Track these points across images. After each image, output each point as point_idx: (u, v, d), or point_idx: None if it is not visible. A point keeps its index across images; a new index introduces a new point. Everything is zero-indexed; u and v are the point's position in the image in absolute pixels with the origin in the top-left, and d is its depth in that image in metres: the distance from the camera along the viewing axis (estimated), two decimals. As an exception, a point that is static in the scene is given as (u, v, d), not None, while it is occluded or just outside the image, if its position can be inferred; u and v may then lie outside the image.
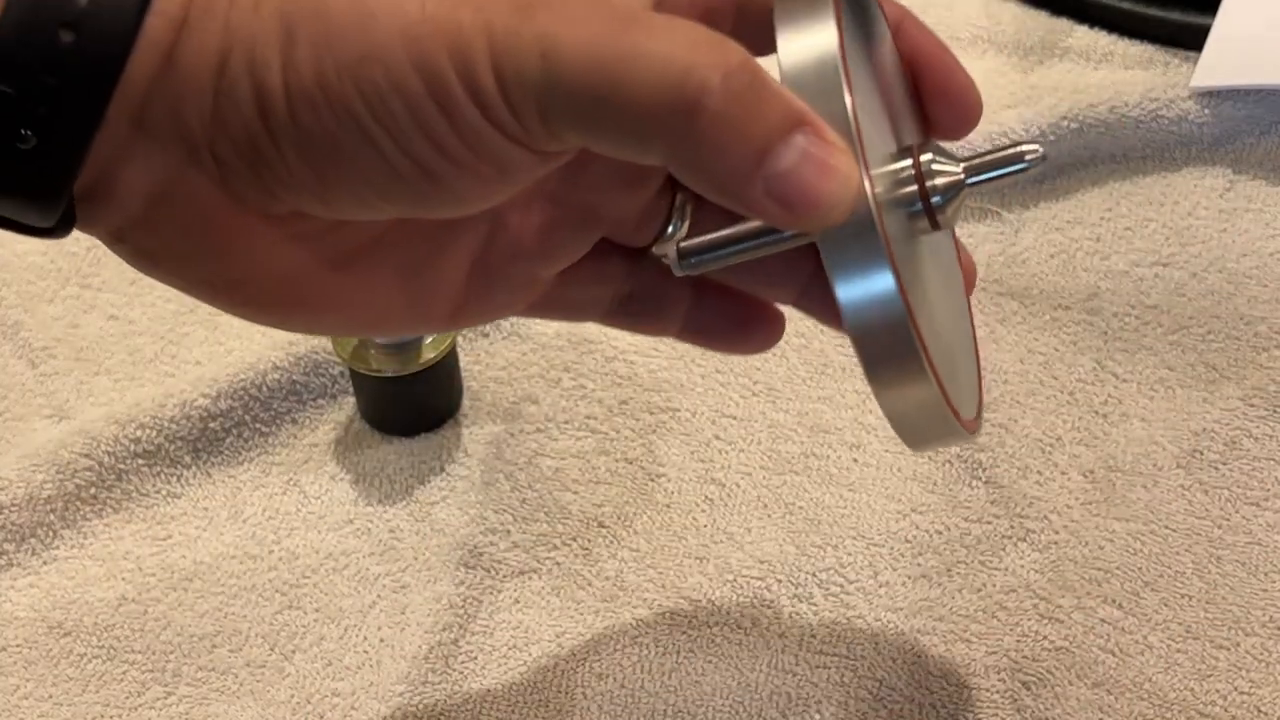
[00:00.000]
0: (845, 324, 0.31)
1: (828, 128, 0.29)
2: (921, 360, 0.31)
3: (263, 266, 0.32)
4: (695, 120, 0.28)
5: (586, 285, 0.39)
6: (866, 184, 0.30)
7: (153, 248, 0.32)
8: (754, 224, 0.35)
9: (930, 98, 0.37)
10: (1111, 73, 0.67)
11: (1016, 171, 0.35)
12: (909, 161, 0.34)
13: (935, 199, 0.34)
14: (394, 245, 0.34)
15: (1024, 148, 0.35)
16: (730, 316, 0.40)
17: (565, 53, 0.28)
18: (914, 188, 0.34)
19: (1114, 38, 0.69)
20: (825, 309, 0.39)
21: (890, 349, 0.31)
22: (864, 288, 0.31)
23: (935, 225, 0.35)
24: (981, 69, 0.68)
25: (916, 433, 0.34)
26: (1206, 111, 0.64)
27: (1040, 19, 0.70)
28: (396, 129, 0.29)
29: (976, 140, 0.62)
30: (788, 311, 0.41)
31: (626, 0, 0.30)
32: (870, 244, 0.30)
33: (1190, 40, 0.67)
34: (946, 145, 0.35)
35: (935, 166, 0.34)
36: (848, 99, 0.30)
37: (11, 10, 0.28)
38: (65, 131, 0.29)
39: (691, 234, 0.36)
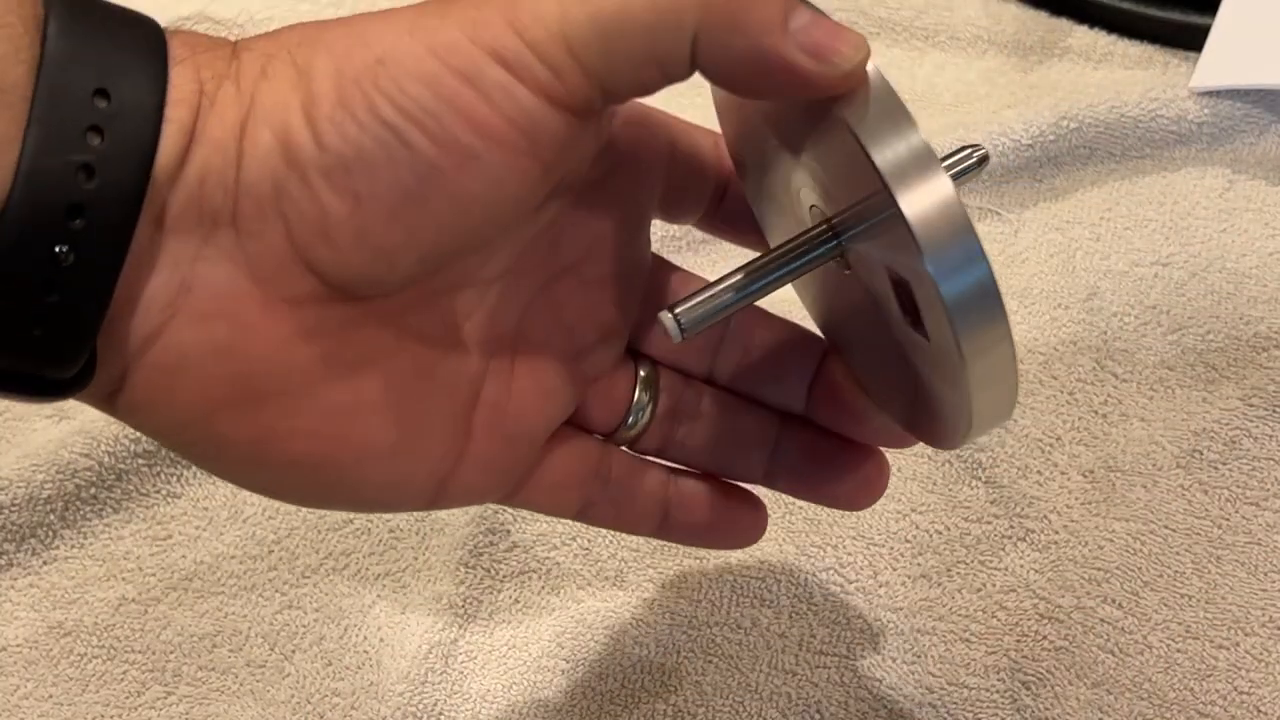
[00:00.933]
0: (945, 303, 0.31)
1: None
2: (1007, 319, 0.31)
3: (280, 369, 0.32)
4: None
5: (563, 471, 0.38)
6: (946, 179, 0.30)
7: (162, 373, 0.31)
8: (745, 267, 0.34)
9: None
10: (1111, 72, 0.67)
11: (969, 172, 0.36)
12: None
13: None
14: (395, 355, 0.34)
15: (965, 151, 0.36)
16: (710, 508, 0.40)
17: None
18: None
19: (1114, 38, 0.69)
20: (795, 477, 0.40)
21: (984, 313, 0.31)
22: (955, 259, 0.30)
23: None
24: (982, 69, 0.68)
25: (990, 411, 0.33)
26: (1206, 111, 0.64)
27: (1040, 19, 0.71)
28: (424, 116, 0.29)
29: (977, 139, 0.62)
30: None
31: None
32: (959, 220, 0.30)
33: (1190, 40, 0.67)
34: None
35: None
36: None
37: (40, 112, 0.28)
38: (102, 244, 0.29)
39: (678, 302, 0.35)
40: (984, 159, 0.36)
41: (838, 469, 0.40)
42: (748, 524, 0.41)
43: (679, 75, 0.30)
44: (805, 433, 0.40)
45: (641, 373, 0.39)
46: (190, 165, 0.30)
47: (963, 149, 0.36)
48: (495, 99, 0.29)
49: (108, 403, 0.31)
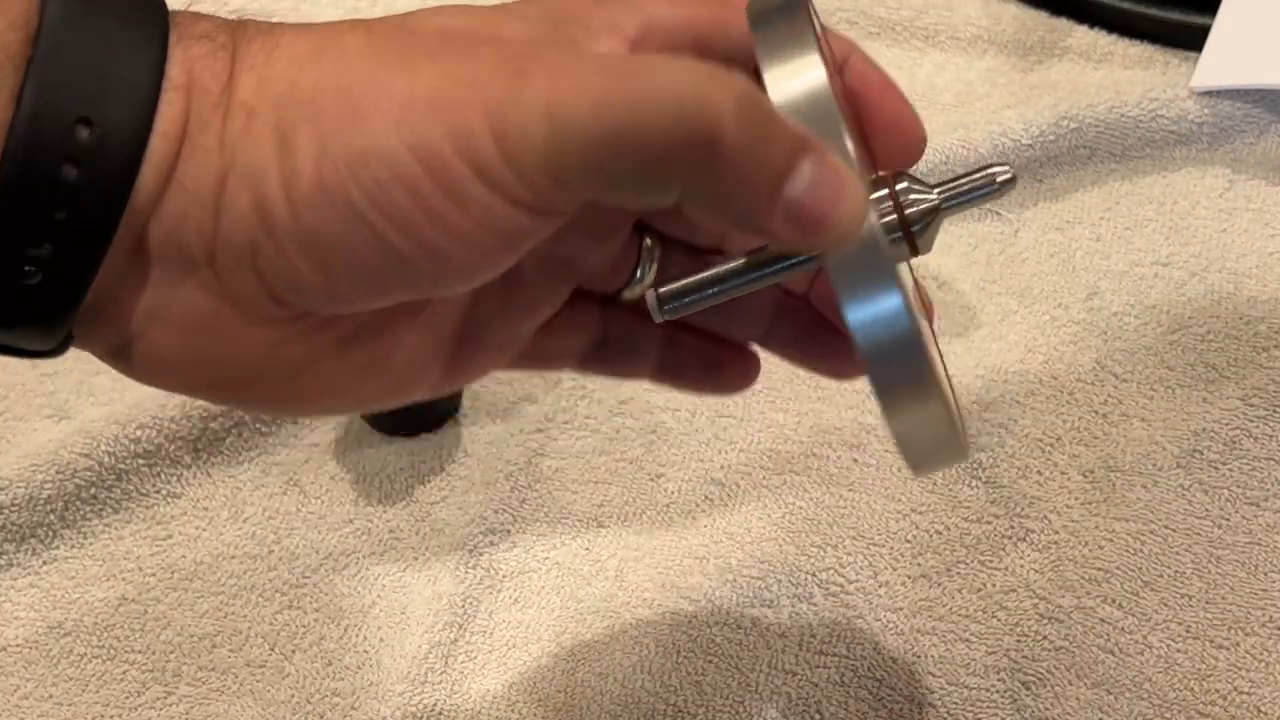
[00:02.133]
0: (858, 347, 0.31)
1: (831, 151, 0.30)
2: (932, 378, 0.31)
3: (261, 367, 0.32)
4: (714, 151, 0.28)
5: (561, 336, 0.39)
6: (873, 220, 0.30)
7: (149, 363, 0.32)
8: (731, 264, 0.35)
9: (876, 131, 0.37)
10: (1111, 72, 0.67)
11: (989, 194, 0.35)
12: (885, 191, 0.35)
13: (914, 226, 0.35)
14: (384, 328, 0.34)
15: (994, 170, 0.35)
16: (704, 358, 0.40)
17: (571, 107, 0.28)
18: (893, 216, 0.34)
19: (1114, 38, 0.69)
20: (789, 346, 0.40)
21: (903, 368, 0.31)
22: (874, 309, 0.30)
23: (915, 251, 0.35)
24: (981, 69, 0.68)
25: (924, 454, 0.34)
26: (1206, 111, 0.64)
27: (1040, 19, 0.70)
28: (400, 217, 0.29)
29: (977, 139, 0.62)
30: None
31: (611, 51, 0.31)
32: (878, 264, 0.30)
33: (1190, 40, 0.67)
34: (914, 173, 0.36)
35: (912, 194, 0.35)
36: (844, 126, 0.31)
37: (15, 146, 0.28)
38: (71, 266, 0.29)
39: (666, 279, 0.36)
40: (1007, 182, 0.35)
41: (830, 346, 0.40)
42: (741, 371, 0.41)
43: (662, 207, 0.31)
44: (805, 313, 0.40)
45: (646, 241, 0.39)
46: (167, 204, 0.30)
47: (985, 170, 0.35)
48: (473, 212, 0.30)
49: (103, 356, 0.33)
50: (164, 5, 0.31)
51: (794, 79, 0.31)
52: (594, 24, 0.32)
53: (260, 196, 0.30)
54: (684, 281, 0.35)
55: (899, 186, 0.35)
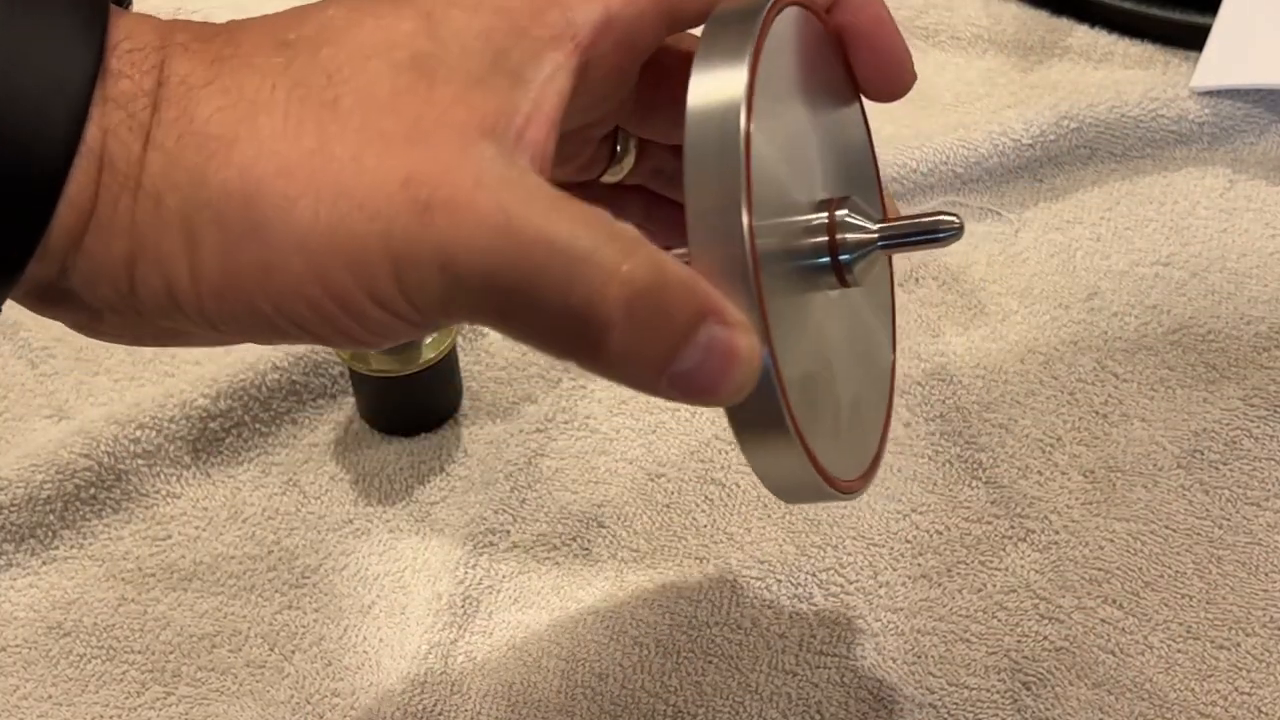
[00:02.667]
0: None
1: (730, 309, 0.30)
2: (789, 429, 0.31)
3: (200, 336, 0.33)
4: (598, 346, 0.29)
5: None
6: (748, 246, 0.30)
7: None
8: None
9: (863, 64, 0.37)
10: (1112, 72, 0.67)
11: (931, 242, 0.35)
12: (825, 215, 0.34)
13: (844, 256, 0.34)
14: None
15: (941, 218, 0.35)
16: (680, 230, 0.41)
17: (464, 267, 0.29)
18: (825, 239, 0.34)
19: (1114, 37, 0.69)
20: None
21: (758, 416, 0.31)
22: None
23: (843, 282, 0.35)
24: (982, 68, 0.68)
25: (785, 492, 0.34)
26: (1206, 111, 0.64)
27: (1041, 18, 0.70)
28: (304, 323, 0.30)
29: (977, 139, 0.62)
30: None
31: (535, 182, 0.30)
32: (744, 310, 0.30)
33: (1190, 40, 0.67)
34: (862, 203, 0.35)
35: (850, 222, 0.34)
36: (742, 174, 0.30)
37: None
38: None
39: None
40: (952, 234, 0.35)
41: None
42: None
43: None
44: None
45: (628, 140, 0.39)
46: (80, 265, 0.30)
47: (934, 217, 0.35)
48: (372, 325, 0.30)
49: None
50: (99, 46, 0.30)
51: (711, 101, 0.31)
52: (543, 34, 0.31)
53: (170, 281, 0.30)
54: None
55: (840, 213, 0.34)
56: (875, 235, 0.34)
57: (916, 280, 0.59)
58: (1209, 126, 0.64)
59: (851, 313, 0.37)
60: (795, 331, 0.33)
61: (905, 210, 0.62)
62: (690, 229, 0.30)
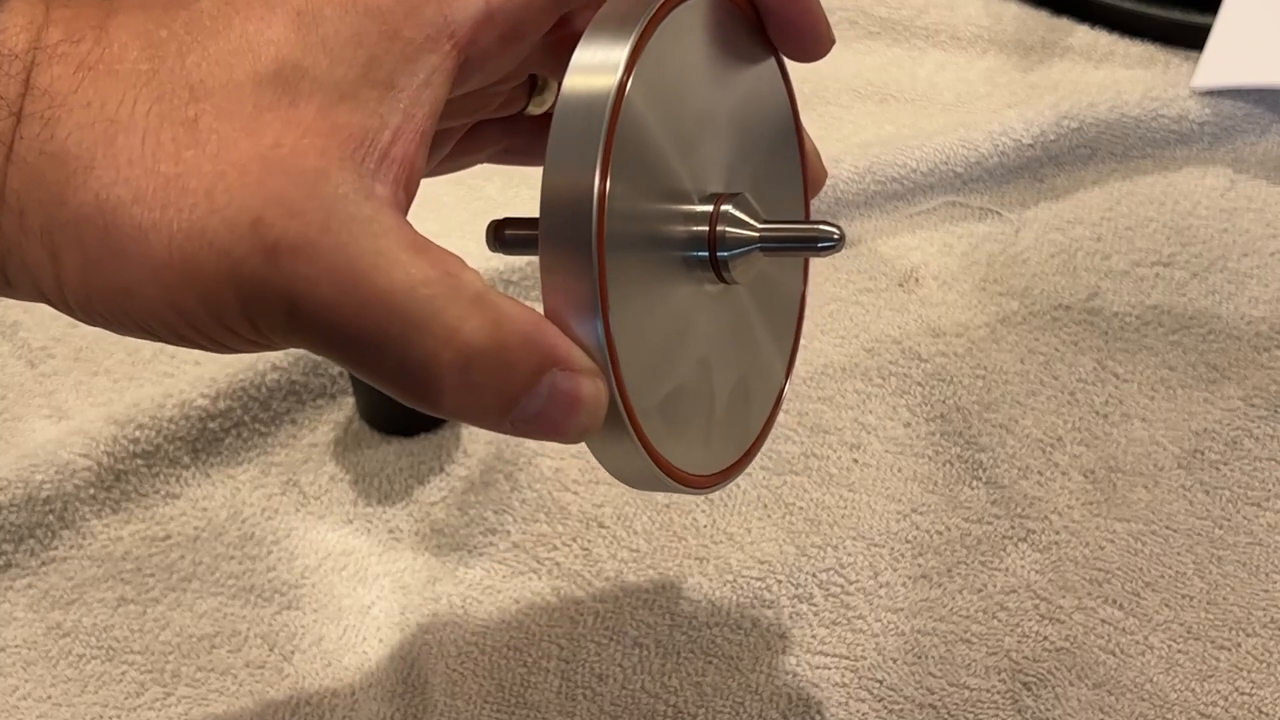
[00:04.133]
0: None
1: (577, 356, 0.30)
2: (631, 435, 0.32)
3: None
4: (436, 408, 0.30)
5: (465, 156, 0.40)
6: (595, 232, 0.30)
7: None
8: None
9: (776, 31, 0.37)
10: (1112, 72, 0.67)
11: (809, 250, 0.35)
12: (709, 209, 0.34)
13: (722, 252, 0.34)
14: None
15: (823, 228, 0.34)
16: None
17: (305, 319, 0.29)
18: (704, 230, 0.34)
19: (1115, 37, 0.69)
20: None
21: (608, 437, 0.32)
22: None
23: (720, 278, 0.35)
24: (982, 68, 0.68)
25: (629, 482, 0.34)
26: (1207, 111, 0.64)
27: (1041, 18, 0.70)
28: (170, 338, 0.31)
29: (978, 139, 0.62)
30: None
31: (385, 225, 0.30)
32: (590, 320, 0.30)
33: (1191, 39, 0.67)
34: (754, 202, 0.35)
35: (734, 216, 0.34)
36: (598, 160, 0.30)
37: None
38: None
39: (510, 221, 0.37)
40: (829, 246, 0.34)
41: None
42: None
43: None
44: None
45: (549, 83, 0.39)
46: None
47: (817, 226, 0.35)
48: (237, 348, 0.31)
49: None
50: None
51: (582, 87, 0.31)
52: (417, 36, 0.30)
53: (39, 285, 0.31)
54: (522, 233, 0.36)
55: (725, 208, 0.34)
56: (757, 235, 0.34)
57: (917, 280, 0.59)
58: (1210, 126, 0.63)
59: (738, 313, 0.37)
60: (662, 321, 0.33)
61: (901, 211, 0.62)
62: (542, 204, 0.30)
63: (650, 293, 0.33)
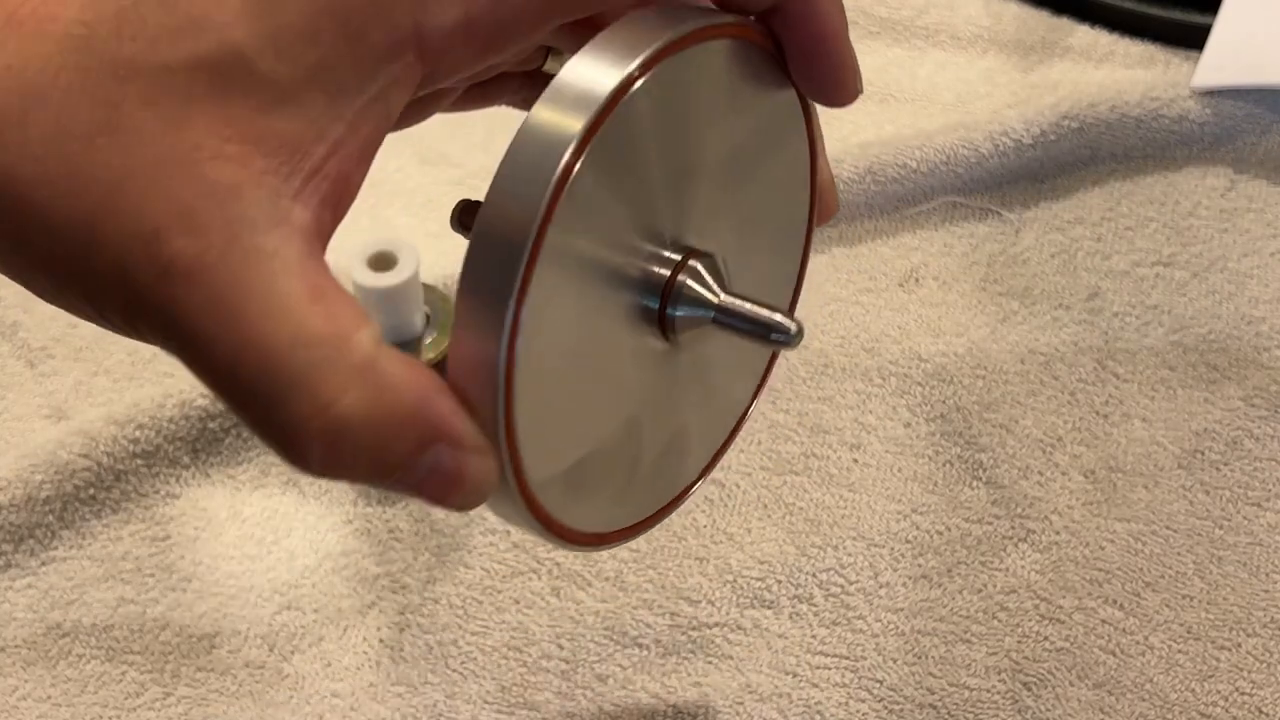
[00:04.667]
0: None
1: (468, 433, 0.28)
2: (519, 503, 0.30)
3: None
4: (302, 469, 0.28)
5: (484, 100, 0.37)
6: (518, 283, 0.27)
7: None
8: None
9: (801, 74, 0.33)
10: (1113, 72, 0.67)
11: (763, 338, 0.32)
12: (676, 257, 0.32)
13: (673, 310, 0.32)
14: None
15: (780, 320, 0.31)
16: None
17: (182, 350, 0.27)
18: (664, 276, 0.32)
19: (1115, 37, 0.69)
20: None
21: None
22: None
23: (665, 336, 0.32)
24: (982, 68, 0.68)
25: (512, 528, 0.33)
26: (1208, 111, 0.63)
27: (1041, 18, 0.70)
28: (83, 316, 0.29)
29: (978, 139, 0.62)
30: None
31: (286, 264, 0.27)
32: (490, 380, 0.28)
33: (1191, 39, 0.67)
34: (725, 269, 0.32)
35: (699, 275, 0.32)
36: (536, 225, 0.27)
37: None
38: None
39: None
40: (781, 340, 0.32)
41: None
42: None
43: None
44: None
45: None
46: None
47: (774, 316, 0.32)
48: (131, 338, 0.29)
49: None
50: None
51: (552, 123, 0.28)
52: (380, 41, 0.27)
53: None
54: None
55: (692, 263, 0.32)
56: (715, 302, 0.32)
57: (917, 280, 0.59)
58: (1210, 126, 0.63)
59: (680, 380, 0.35)
60: (587, 381, 0.31)
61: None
62: (470, 243, 0.28)
63: (579, 348, 0.30)
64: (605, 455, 0.33)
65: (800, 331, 0.32)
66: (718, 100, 0.32)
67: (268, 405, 0.27)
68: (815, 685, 0.47)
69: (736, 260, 0.33)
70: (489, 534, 0.51)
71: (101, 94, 0.27)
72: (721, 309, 0.32)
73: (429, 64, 0.28)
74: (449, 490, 0.29)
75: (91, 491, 0.52)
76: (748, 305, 0.32)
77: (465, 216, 0.34)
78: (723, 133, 0.33)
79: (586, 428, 0.32)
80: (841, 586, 0.49)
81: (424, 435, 0.28)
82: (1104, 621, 0.48)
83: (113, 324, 0.28)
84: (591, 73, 0.28)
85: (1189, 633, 0.48)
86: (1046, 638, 0.48)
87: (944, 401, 0.55)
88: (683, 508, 0.52)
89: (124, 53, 0.27)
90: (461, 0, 0.28)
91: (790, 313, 0.34)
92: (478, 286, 0.28)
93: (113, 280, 0.27)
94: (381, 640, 0.49)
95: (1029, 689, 0.46)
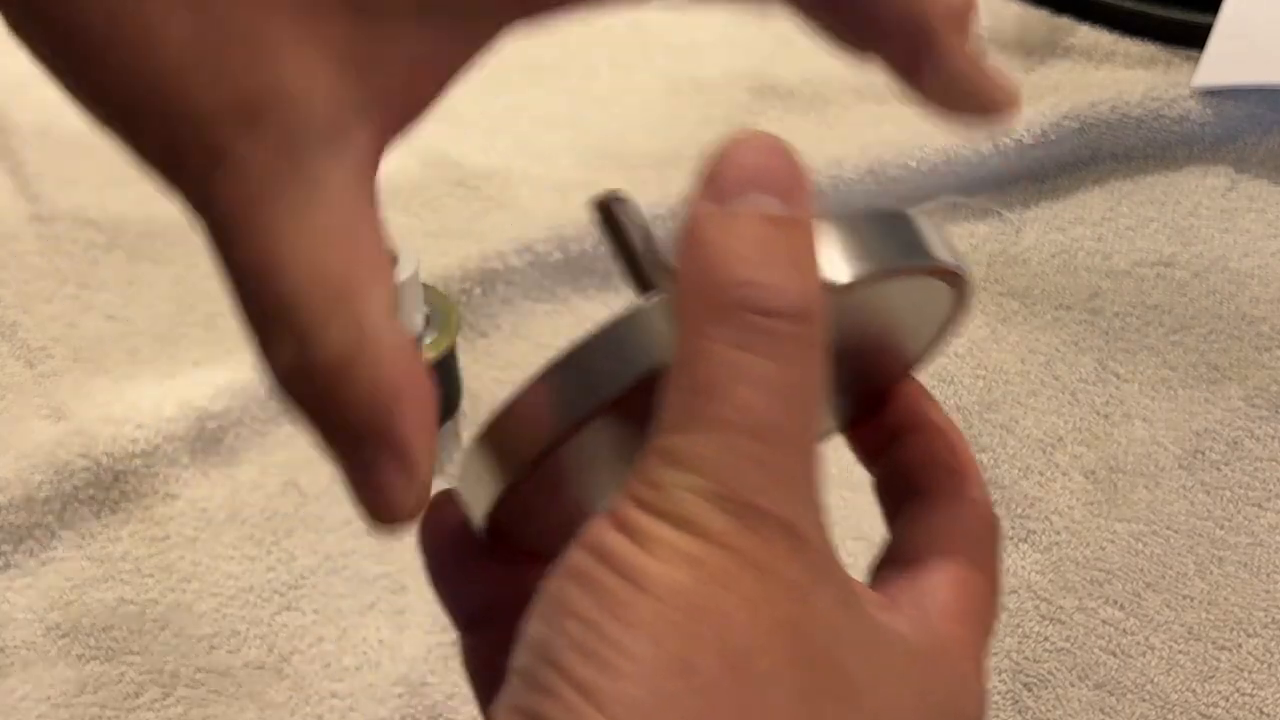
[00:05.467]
0: None
1: (417, 450, 0.28)
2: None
3: None
4: (271, 378, 0.28)
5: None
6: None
7: None
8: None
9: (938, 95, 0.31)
10: (1113, 71, 0.67)
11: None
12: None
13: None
14: None
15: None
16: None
17: (209, 235, 0.27)
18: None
19: (1116, 36, 0.69)
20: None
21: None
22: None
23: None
24: (983, 68, 0.68)
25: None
26: (1209, 111, 0.63)
27: (1042, 18, 0.70)
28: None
29: (979, 139, 0.62)
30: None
31: (330, 194, 0.27)
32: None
33: (1192, 39, 0.67)
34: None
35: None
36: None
37: None
38: None
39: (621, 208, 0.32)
40: None
41: None
42: None
43: None
44: None
45: None
46: None
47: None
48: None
49: None
50: None
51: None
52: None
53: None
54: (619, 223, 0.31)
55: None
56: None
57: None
58: (1211, 126, 0.63)
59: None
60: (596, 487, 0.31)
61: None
62: (504, 406, 0.28)
63: (578, 470, 0.30)
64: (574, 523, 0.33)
65: None
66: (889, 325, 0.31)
67: (261, 319, 0.27)
68: (815, 686, 0.47)
69: None
70: (489, 534, 0.51)
71: None
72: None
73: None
74: (368, 493, 0.28)
75: (91, 492, 0.52)
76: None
77: (607, 210, 0.31)
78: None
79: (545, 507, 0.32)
80: (842, 587, 0.49)
81: (374, 426, 0.27)
82: (1105, 622, 0.48)
83: (145, 169, 0.27)
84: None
85: (1190, 633, 0.48)
86: (1047, 638, 0.48)
87: (944, 401, 0.54)
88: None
89: None
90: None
91: None
92: (497, 444, 0.28)
93: (159, 142, 0.26)
94: (381, 640, 0.49)
95: (1029, 689, 0.46)
